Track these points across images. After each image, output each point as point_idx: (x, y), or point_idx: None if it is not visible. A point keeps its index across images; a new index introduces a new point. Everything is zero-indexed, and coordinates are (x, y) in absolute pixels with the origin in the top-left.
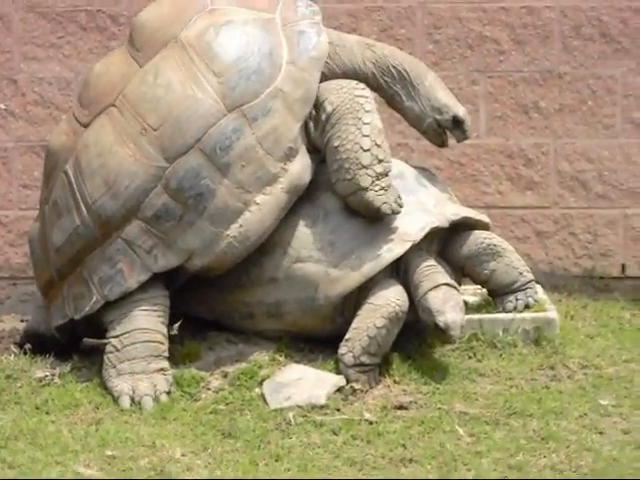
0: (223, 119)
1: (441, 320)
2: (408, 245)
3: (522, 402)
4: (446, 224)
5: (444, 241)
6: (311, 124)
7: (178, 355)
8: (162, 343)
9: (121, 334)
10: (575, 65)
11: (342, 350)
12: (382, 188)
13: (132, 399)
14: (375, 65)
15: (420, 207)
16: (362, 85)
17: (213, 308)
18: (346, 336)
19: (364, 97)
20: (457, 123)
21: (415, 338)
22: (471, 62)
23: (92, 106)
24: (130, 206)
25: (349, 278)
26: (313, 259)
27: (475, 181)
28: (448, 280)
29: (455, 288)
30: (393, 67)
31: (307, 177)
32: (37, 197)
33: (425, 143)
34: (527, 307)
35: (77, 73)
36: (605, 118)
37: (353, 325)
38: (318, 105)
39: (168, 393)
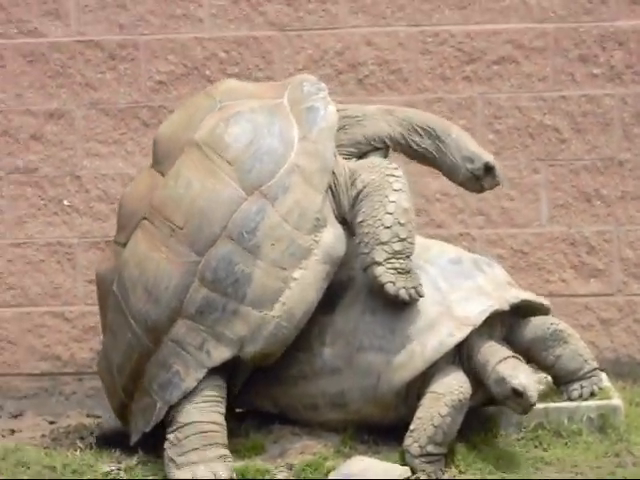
0: (244, 203)
1: (516, 383)
2: (469, 329)
3: None
4: (506, 307)
5: (508, 327)
6: (345, 201)
7: (243, 448)
8: (217, 432)
9: (176, 429)
10: (636, 152)
11: (407, 441)
12: (395, 267)
13: None
14: (401, 127)
15: (479, 291)
16: (394, 165)
17: (277, 401)
18: (411, 427)
19: (394, 176)
20: (488, 170)
21: (480, 427)
22: (532, 151)
23: (126, 225)
24: (172, 307)
25: (411, 365)
26: (375, 347)
27: (539, 269)
28: (513, 353)
29: (521, 360)
30: (419, 126)
31: (341, 246)
32: None
33: (488, 232)
34: (592, 395)
35: (140, 169)
36: None
37: (417, 415)
38: (351, 182)
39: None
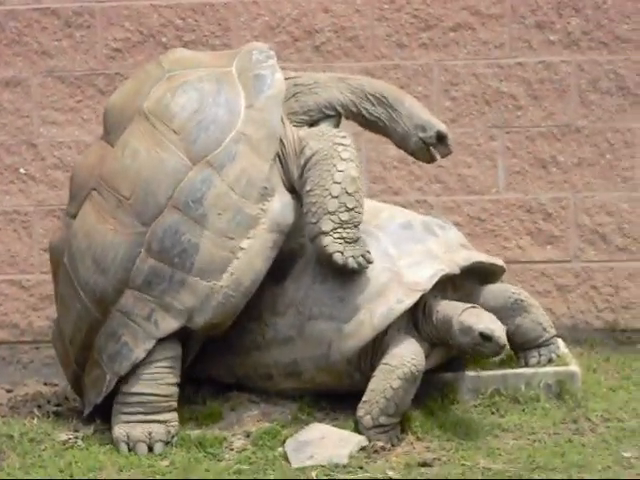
0: (190, 172)
1: (482, 327)
2: (418, 295)
3: (545, 456)
4: (457, 270)
5: (463, 291)
6: (294, 169)
7: (200, 416)
8: (163, 403)
9: (127, 392)
10: (593, 119)
11: (360, 412)
12: (342, 237)
13: (127, 445)
14: (353, 94)
15: (429, 255)
16: (343, 133)
17: (233, 371)
18: (363, 398)
19: (343, 145)
20: (441, 138)
21: (437, 394)
22: (489, 118)
23: (77, 196)
24: (120, 277)
25: (361, 333)
26: (325, 316)
27: (495, 236)
28: (472, 304)
29: (481, 309)
30: (371, 94)
31: (290, 215)
32: None
33: (445, 199)
34: (550, 362)
35: (96, 136)
36: (624, 171)
37: (370, 387)
38: (300, 150)
39: (167, 443)
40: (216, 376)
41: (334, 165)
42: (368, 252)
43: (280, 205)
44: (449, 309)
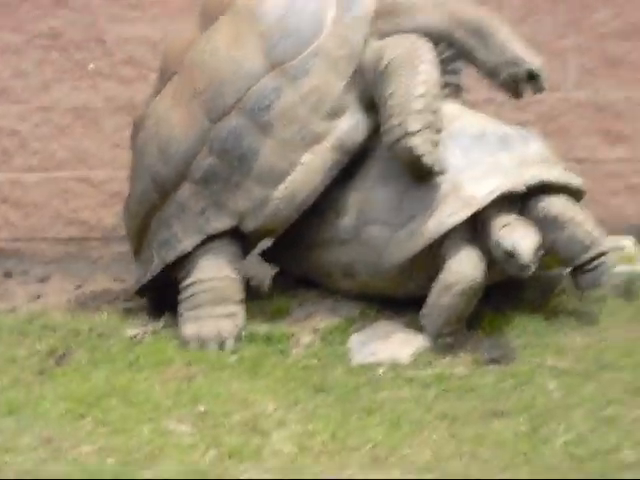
0: (263, 79)
1: (508, 244)
2: (473, 209)
3: (613, 355)
4: (522, 187)
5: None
6: (371, 78)
7: (268, 311)
8: (229, 287)
9: (187, 285)
10: None
11: (423, 322)
12: (431, 140)
13: (197, 344)
14: (448, 21)
15: (495, 169)
16: (423, 39)
17: (300, 265)
18: (424, 309)
19: (422, 48)
20: (532, 76)
21: (506, 293)
22: (559, 16)
23: (163, 75)
24: (180, 170)
25: (411, 243)
26: (380, 221)
27: (565, 135)
28: (518, 217)
29: (526, 222)
30: (467, 22)
31: (358, 136)
32: (128, 157)
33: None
34: (597, 285)
35: (165, 33)
36: None
37: (429, 300)
38: (378, 60)
39: (238, 338)
40: (287, 268)
41: (416, 67)
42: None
43: (348, 125)
44: (496, 223)
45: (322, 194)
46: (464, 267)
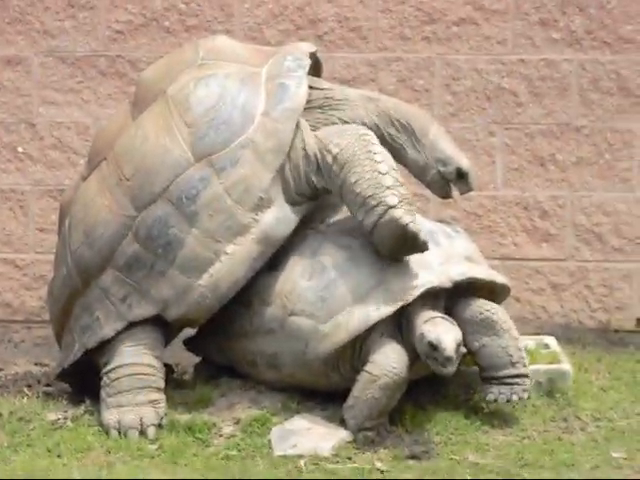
0: (190, 169)
1: (432, 337)
2: (398, 305)
3: (534, 454)
4: (448, 284)
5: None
6: (311, 175)
7: (190, 401)
8: (150, 375)
9: (109, 370)
10: (593, 118)
11: (346, 415)
12: (409, 210)
13: (119, 432)
14: (379, 118)
15: (422, 265)
16: (363, 127)
17: (225, 353)
18: (348, 402)
19: (369, 135)
20: (461, 175)
21: (428, 389)
22: (489, 114)
23: (92, 161)
24: (104, 255)
25: (336, 336)
26: (305, 313)
27: (491, 232)
28: (443, 315)
29: (448, 320)
30: (397, 120)
31: (283, 229)
32: (53, 241)
33: None
34: (508, 402)
35: (96, 118)
36: (622, 172)
37: (353, 392)
38: (321, 150)
39: (159, 426)
40: (210, 357)
41: (370, 150)
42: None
43: (274, 218)
44: (420, 317)
45: (248, 284)
46: (389, 361)
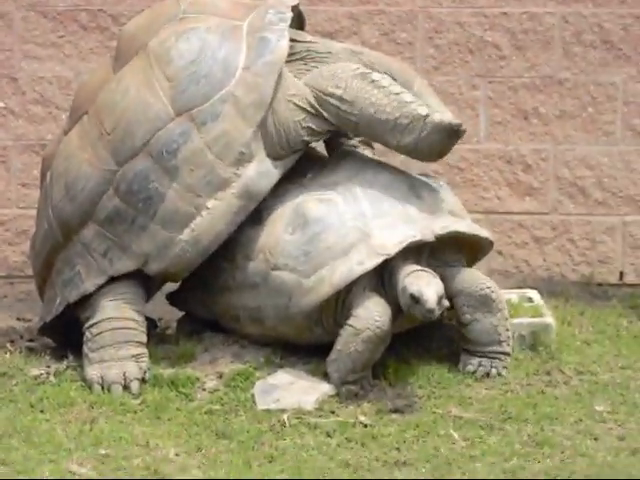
0: (171, 123)
1: (414, 289)
2: (381, 259)
3: (517, 407)
4: (431, 237)
5: (446, 258)
6: (306, 123)
7: (173, 356)
8: (132, 329)
9: (91, 325)
10: (576, 71)
11: (329, 368)
12: (434, 110)
13: (102, 387)
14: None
15: (405, 219)
16: (349, 62)
17: (209, 308)
18: (331, 355)
19: (361, 67)
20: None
21: (411, 342)
22: (472, 67)
23: (73, 115)
24: (85, 209)
25: (319, 290)
26: (288, 267)
27: (474, 186)
28: (425, 268)
29: (431, 273)
30: (382, 71)
31: (264, 183)
32: (35, 196)
33: None
34: (487, 376)
35: (77, 73)
36: (605, 125)
37: (336, 346)
38: (319, 96)
39: (143, 380)
40: (193, 312)
41: (373, 80)
42: None
43: (255, 172)
44: (403, 272)
45: (231, 238)
46: (371, 314)
